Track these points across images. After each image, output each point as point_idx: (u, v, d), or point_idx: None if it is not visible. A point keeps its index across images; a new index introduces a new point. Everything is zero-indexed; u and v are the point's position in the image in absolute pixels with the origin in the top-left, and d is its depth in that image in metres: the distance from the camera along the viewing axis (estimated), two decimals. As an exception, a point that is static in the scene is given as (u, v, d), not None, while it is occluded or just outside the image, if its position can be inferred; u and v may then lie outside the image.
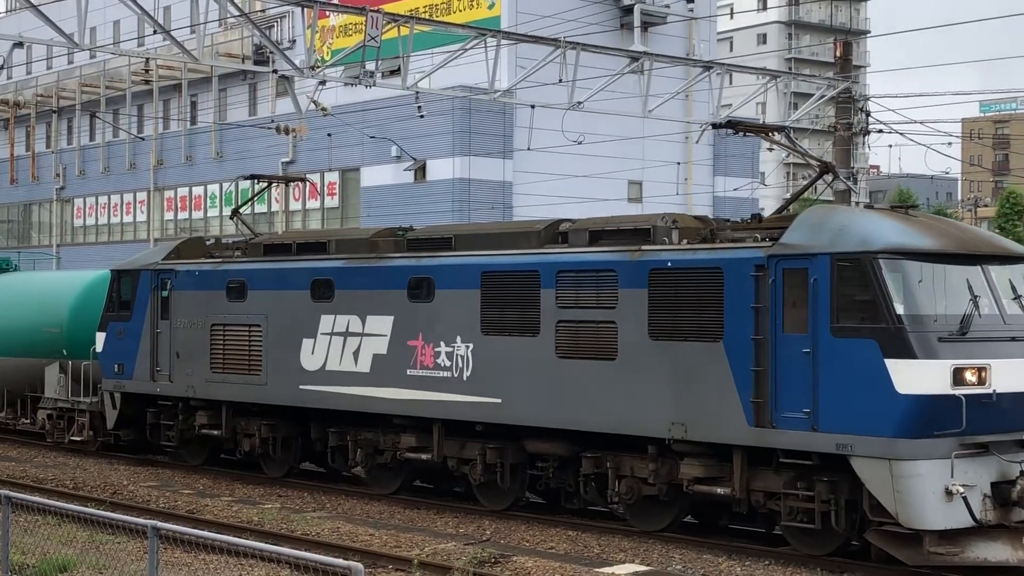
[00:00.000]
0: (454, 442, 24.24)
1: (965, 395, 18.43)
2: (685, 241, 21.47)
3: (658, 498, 21.67)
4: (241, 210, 30.57)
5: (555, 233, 23.25)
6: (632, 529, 22.61)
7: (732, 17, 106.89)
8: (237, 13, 29.73)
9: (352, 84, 30.66)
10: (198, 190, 66.77)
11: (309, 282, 25.99)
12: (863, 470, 18.80)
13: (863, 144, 40.50)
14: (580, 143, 40.05)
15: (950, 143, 50.56)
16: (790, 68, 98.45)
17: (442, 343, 23.84)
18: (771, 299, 19.70)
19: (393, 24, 30.01)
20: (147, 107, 70.79)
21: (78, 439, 32.02)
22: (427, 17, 53.72)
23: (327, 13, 59.15)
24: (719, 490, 20.66)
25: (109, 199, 72.13)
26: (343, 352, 25.32)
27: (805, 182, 22.04)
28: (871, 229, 19.41)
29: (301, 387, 26.04)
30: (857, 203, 47.36)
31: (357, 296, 25.16)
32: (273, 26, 65.04)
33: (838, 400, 18.99)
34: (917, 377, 18.50)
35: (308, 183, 30.40)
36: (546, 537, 22.32)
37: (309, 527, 22.54)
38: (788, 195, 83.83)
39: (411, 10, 54.99)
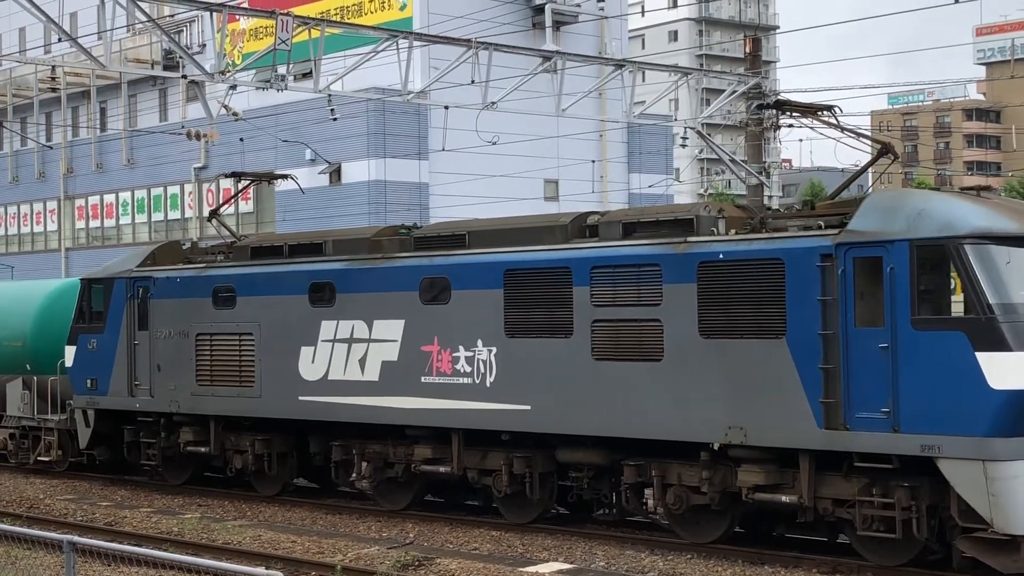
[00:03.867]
0: (475, 452, 21.91)
1: (1065, 389, 16.50)
2: (733, 231, 19.29)
3: (710, 507, 19.47)
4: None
5: (582, 226, 21.03)
6: (556, 528, 21.50)
7: (643, 15, 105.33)
8: (145, 18, 27.69)
9: (263, 88, 28.81)
10: (110, 198, 64.28)
11: (307, 286, 23.48)
12: (952, 473, 16.80)
13: (774, 139, 39.28)
14: (495, 143, 38.65)
15: (859, 136, 49.41)
16: (701, 65, 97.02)
17: (461, 348, 21.48)
18: (840, 291, 17.60)
19: (304, 27, 28.49)
20: (55, 115, 67.89)
21: (45, 459, 29.15)
22: (338, 19, 52.08)
23: (237, 17, 56.57)
24: (784, 498, 18.52)
25: (19, 209, 69.46)
26: (347, 360, 22.84)
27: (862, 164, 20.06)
28: (953, 213, 17.36)
29: (300, 398, 23.52)
30: (772, 197, 45.95)
31: (362, 300, 22.70)
32: (182, 31, 62.53)
33: (922, 398, 16.97)
34: (1013, 371, 16.52)
35: (293, 179, 28.07)
36: (470, 538, 21.23)
37: (230, 536, 21.52)
38: (701, 191, 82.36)
39: (322, 12, 53.18)
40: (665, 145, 60.96)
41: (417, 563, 18.91)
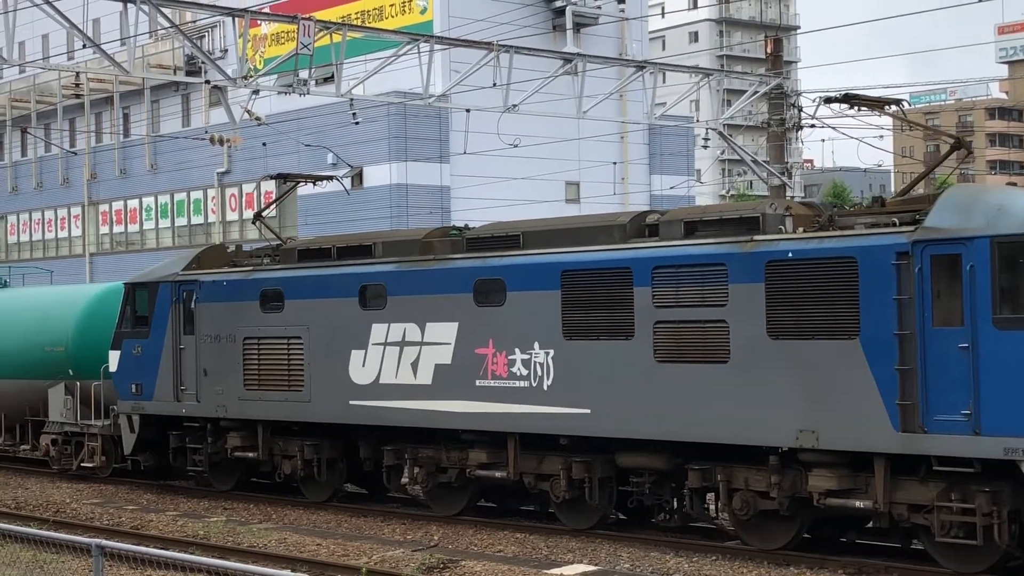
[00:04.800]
0: (531, 457, 21.01)
1: None
2: (801, 229, 18.37)
3: (778, 513, 18.53)
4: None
5: (641, 226, 20.10)
6: (580, 530, 20.78)
7: (663, 16, 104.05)
8: (167, 24, 27.23)
9: (286, 92, 28.34)
10: (133, 203, 63.47)
11: (357, 288, 22.60)
12: (1037, 477, 15.86)
13: (796, 139, 38.45)
14: (516, 146, 37.93)
15: (882, 136, 48.69)
16: (722, 65, 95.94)
17: (517, 350, 20.58)
18: (917, 289, 16.67)
19: (325, 31, 28.31)
20: (79, 121, 67.17)
21: (88, 465, 28.22)
22: (359, 24, 51.42)
23: (259, 22, 56.12)
24: (858, 503, 17.59)
25: (43, 215, 68.58)
26: (399, 363, 21.95)
27: (935, 159, 19.12)
28: (1035, 208, 16.42)
29: (351, 402, 22.62)
30: (793, 198, 45.17)
31: (414, 302, 21.81)
32: (204, 36, 61.77)
33: (1005, 399, 16.05)
34: (1099, 371, 15.63)
35: (339, 180, 27.50)
36: (494, 540, 20.73)
37: (256, 539, 21.12)
38: (723, 192, 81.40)
39: (343, 17, 52.50)
40: (686, 146, 60.07)
41: (442, 565, 18.47)
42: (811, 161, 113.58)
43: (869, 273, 17.11)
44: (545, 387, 20.25)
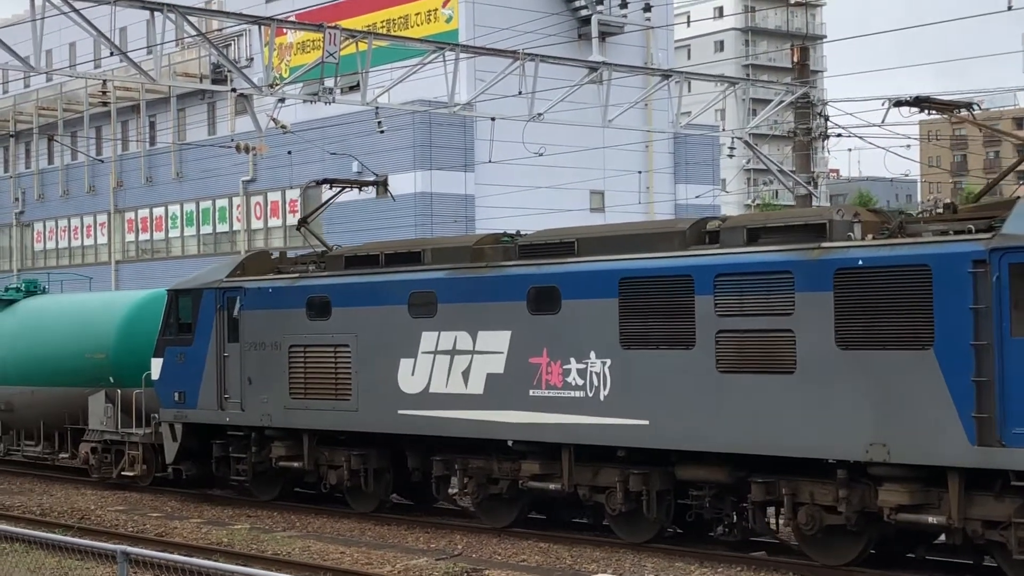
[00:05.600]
0: (586, 469, 20.22)
1: None
2: (870, 236, 17.58)
3: (845, 528, 17.73)
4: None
5: (701, 232, 19.31)
6: (609, 539, 20.29)
7: (689, 25, 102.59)
8: (194, 33, 26.80)
9: (311, 101, 27.93)
10: (159, 211, 62.96)
11: (407, 296, 21.83)
12: (1123, 492, 15.07)
13: (822, 148, 37.88)
14: (541, 154, 37.45)
15: (908, 145, 48.06)
16: (748, 75, 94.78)
17: (572, 359, 19.81)
18: (995, 298, 15.88)
19: (351, 40, 27.93)
20: (105, 129, 66.66)
21: (129, 474, 27.49)
22: (385, 32, 50.84)
23: (285, 31, 55.52)
24: (931, 519, 16.78)
25: (69, 222, 68.14)
26: (450, 372, 21.19)
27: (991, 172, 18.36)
28: (1119, 215, 15.66)
29: (400, 412, 21.86)
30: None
31: (465, 310, 21.05)
32: (230, 44, 61.06)
33: (1088, 412, 15.23)
34: None
35: (381, 185, 26.96)
36: (518, 550, 20.33)
37: (280, 547, 20.88)
38: (748, 201, 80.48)
39: (368, 26, 51.84)
40: (712, 155, 59.37)
41: (466, 574, 18.23)
42: (837, 171, 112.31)
43: (944, 281, 16.34)
44: (601, 397, 19.50)
